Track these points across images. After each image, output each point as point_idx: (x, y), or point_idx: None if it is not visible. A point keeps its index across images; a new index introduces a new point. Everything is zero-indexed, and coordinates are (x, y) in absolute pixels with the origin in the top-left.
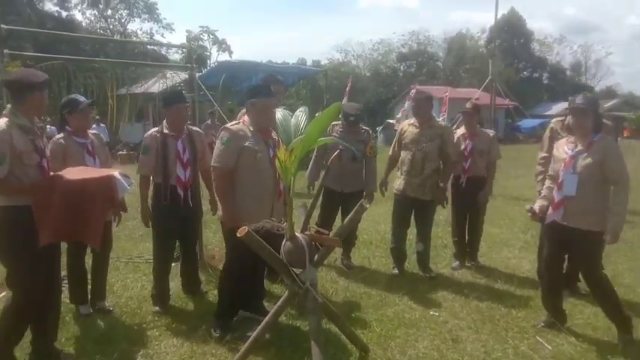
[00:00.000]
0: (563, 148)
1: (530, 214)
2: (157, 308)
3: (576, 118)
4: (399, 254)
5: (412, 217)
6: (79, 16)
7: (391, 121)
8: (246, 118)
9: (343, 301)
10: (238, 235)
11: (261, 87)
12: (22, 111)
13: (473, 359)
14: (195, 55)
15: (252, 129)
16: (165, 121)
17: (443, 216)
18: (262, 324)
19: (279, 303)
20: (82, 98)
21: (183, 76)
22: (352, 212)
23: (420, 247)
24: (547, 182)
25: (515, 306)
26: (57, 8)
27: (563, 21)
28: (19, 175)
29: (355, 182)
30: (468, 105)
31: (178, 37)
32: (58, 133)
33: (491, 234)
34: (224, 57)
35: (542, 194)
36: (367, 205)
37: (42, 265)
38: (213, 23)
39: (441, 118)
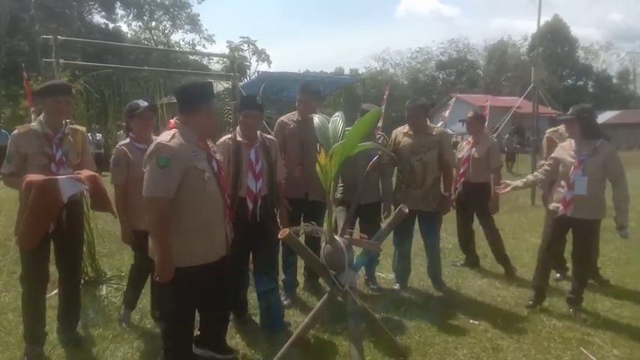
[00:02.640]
0: (569, 152)
1: (500, 187)
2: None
3: (567, 127)
4: (403, 271)
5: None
6: (124, 28)
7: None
8: (179, 126)
9: (381, 307)
10: (280, 237)
11: (203, 87)
12: (44, 117)
13: None
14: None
15: (192, 140)
16: (238, 127)
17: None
18: (301, 327)
19: (317, 306)
20: (143, 102)
21: (225, 85)
22: (391, 217)
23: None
24: (536, 172)
25: (558, 316)
26: (104, 20)
27: (610, 27)
28: (24, 174)
29: (370, 194)
30: (470, 114)
31: (219, 48)
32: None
33: (533, 244)
34: (263, 67)
35: (525, 179)
36: (406, 210)
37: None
38: (253, 34)
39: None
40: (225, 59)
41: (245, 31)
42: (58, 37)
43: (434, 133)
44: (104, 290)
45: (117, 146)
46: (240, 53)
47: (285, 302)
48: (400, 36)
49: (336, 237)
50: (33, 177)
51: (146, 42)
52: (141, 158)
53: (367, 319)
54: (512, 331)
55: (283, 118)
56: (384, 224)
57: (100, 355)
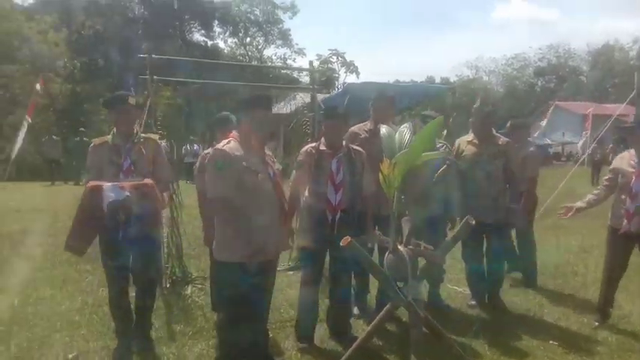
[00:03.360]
0: (629, 162)
1: (562, 212)
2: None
3: (629, 136)
4: (477, 286)
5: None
6: (221, 44)
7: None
8: (235, 133)
9: (455, 323)
10: (342, 244)
11: (259, 96)
12: (115, 130)
13: None
14: (324, 78)
15: (246, 146)
16: (323, 136)
17: (576, 241)
18: (362, 336)
19: (380, 316)
20: (232, 115)
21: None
22: (457, 229)
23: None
24: (596, 191)
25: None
26: (203, 38)
27: None
28: None
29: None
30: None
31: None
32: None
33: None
34: (352, 78)
35: (586, 199)
36: (473, 222)
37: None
38: (343, 46)
39: (583, 136)
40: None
41: (335, 44)
42: (152, 55)
43: (500, 143)
44: (189, 290)
45: (202, 154)
46: (329, 65)
47: (355, 312)
48: (494, 42)
49: (399, 247)
50: (90, 183)
51: (241, 57)
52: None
53: (433, 332)
54: (595, 355)
55: (354, 128)
56: (449, 237)
57: (179, 350)
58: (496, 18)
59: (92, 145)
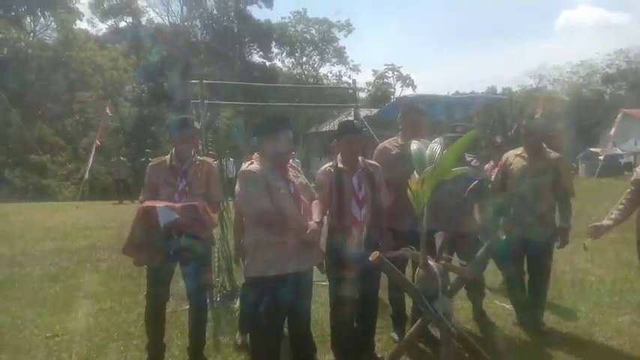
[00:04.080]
0: None
1: (592, 231)
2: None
3: None
4: (518, 302)
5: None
6: (279, 64)
7: (594, 149)
8: (256, 155)
9: (497, 340)
10: (370, 259)
11: (271, 120)
12: (174, 151)
13: None
14: (379, 93)
15: (267, 165)
16: (339, 155)
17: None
18: (393, 351)
19: (410, 331)
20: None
21: (367, 112)
22: (486, 244)
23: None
24: (620, 206)
25: None
26: (262, 59)
27: None
28: None
29: (467, 222)
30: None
31: (365, 77)
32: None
33: None
34: (408, 92)
35: (612, 216)
36: (503, 236)
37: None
38: (400, 60)
39: None
40: (370, 88)
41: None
42: (204, 81)
43: (550, 157)
44: (237, 303)
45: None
46: (385, 80)
47: (393, 337)
48: (558, 50)
49: (430, 262)
50: (146, 202)
51: (297, 76)
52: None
53: (469, 349)
54: None
55: (385, 143)
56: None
57: None
58: (560, 24)
59: (150, 164)
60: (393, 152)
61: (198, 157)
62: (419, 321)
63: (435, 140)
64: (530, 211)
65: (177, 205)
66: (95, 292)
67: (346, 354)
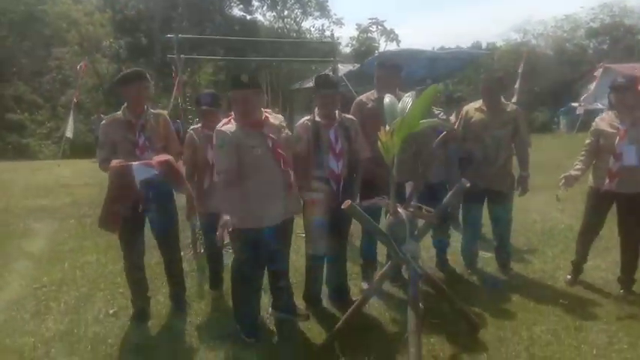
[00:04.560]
0: (609, 124)
1: (563, 182)
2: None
3: (616, 95)
4: (471, 252)
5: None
6: (260, 18)
7: (575, 104)
8: (233, 113)
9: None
10: (343, 207)
11: (235, 77)
12: (126, 106)
13: (592, 347)
14: (363, 48)
15: (241, 124)
16: (316, 109)
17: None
18: (365, 290)
19: (380, 273)
20: (206, 99)
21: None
22: (451, 192)
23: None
24: (581, 157)
25: None
26: (242, 13)
27: None
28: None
29: (437, 172)
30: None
31: (348, 31)
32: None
33: None
34: (392, 47)
35: (577, 167)
36: (468, 184)
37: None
38: (384, 14)
39: None
40: (354, 42)
41: (376, 12)
42: (179, 35)
43: (508, 110)
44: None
45: (189, 129)
46: (369, 35)
47: (363, 286)
48: (545, 4)
49: (399, 209)
50: (114, 162)
51: (279, 30)
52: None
53: (435, 289)
54: (603, 314)
55: (362, 97)
56: (445, 199)
57: (207, 307)
58: None
59: (103, 122)
60: (369, 105)
61: (152, 110)
62: (388, 264)
63: (407, 94)
64: (493, 162)
65: (154, 161)
66: (81, 245)
67: (318, 300)
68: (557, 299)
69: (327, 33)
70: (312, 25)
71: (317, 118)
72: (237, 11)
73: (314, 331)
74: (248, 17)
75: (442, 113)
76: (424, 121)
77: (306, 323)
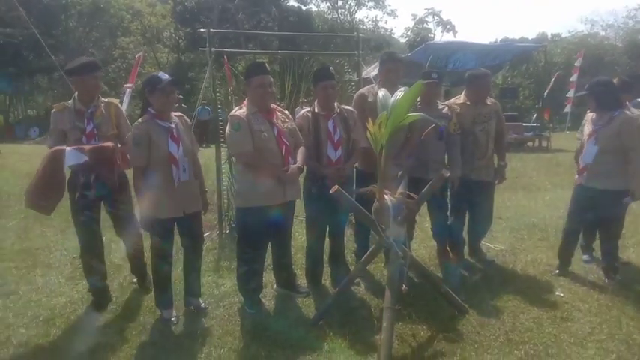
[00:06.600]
0: (589, 122)
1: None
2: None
3: (587, 100)
4: (457, 243)
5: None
6: (314, 9)
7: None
8: (246, 100)
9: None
10: (331, 192)
11: (252, 65)
12: (77, 95)
13: (570, 336)
14: (418, 39)
15: (252, 110)
16: (316, 100)
17: None
18: (353, 270)
19: (367, 254)
20: (164, 75)
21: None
22: (430, 182)
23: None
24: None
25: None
26: (297, 4)
27: None
28: None
29: (436, 167)
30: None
31: (404, 22)
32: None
33: None
34: (449, 37)
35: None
36: (448, 174)
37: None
38: (441, 4)
39: None
40: (409, 33)
41: (433, 3)
42: (211, 29)
43: (489, 103)
44: None
45: (135, 123)
46: (425, 25)
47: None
48: None
49: (386, 196)
50: (55, 148)
51: (333, 21)
52: (164, 136)
53: (420, 273)
54: (595, 306)
55: (363, 90)
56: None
57: (220, 279)
58: None
59: (53, 111)
60: (370, 99)
61: (103, 99)
62: (373, 246)
63: (401, 89)
64: (484, 154)
65: (87, 147)
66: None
67: (318, 278)
68: (549, 290)
69: (381, 24)
70: (365, 15)
71: (316, 109)
72: (292, 2)
73: (311, 307)
74: (303, 8)
75: (446, 108)
76: (411, 114)
77: (305, 299)
